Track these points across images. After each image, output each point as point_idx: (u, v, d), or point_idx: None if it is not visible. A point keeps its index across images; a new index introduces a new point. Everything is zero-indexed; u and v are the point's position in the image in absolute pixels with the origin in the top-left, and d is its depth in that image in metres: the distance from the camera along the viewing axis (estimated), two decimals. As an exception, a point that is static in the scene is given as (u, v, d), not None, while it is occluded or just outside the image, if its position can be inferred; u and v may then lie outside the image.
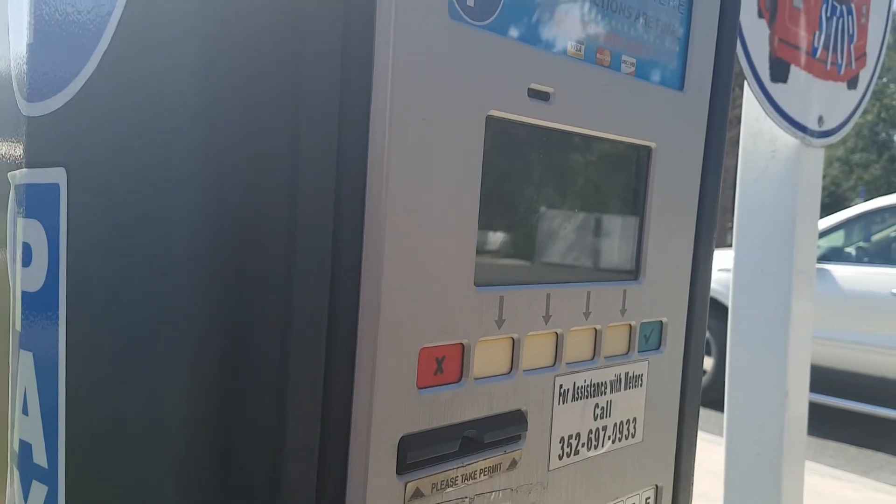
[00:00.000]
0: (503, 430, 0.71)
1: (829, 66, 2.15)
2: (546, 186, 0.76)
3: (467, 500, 0.68)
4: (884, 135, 25.06)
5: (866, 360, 6.15)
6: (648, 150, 0.85)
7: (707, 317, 1.00)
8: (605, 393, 0.84)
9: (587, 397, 0.81)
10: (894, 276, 6.16)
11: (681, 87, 0.88)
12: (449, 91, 0.62)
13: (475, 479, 0.69)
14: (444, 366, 0.65)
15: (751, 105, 2.02)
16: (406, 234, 0.60)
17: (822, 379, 6.38)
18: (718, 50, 0.93)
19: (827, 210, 7.06)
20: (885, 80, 25.01)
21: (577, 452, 0.81)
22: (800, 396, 1.95)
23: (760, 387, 1.95)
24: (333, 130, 0.56)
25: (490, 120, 0.66)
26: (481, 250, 0.68)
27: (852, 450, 6.07)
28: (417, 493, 0.63)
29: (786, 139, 2.02)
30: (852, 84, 2.24)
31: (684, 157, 0.90)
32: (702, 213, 0.94)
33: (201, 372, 0.56)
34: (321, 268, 0.56)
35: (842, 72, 2.22)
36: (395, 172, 0.59)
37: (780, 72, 1.98)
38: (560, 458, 0.79)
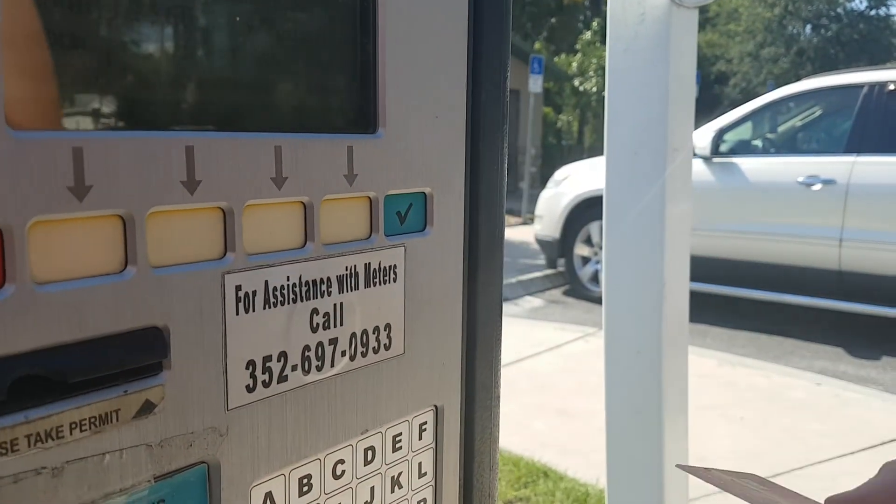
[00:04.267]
0: (112, 360, 0.45)
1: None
2: (173, -19, 0.49)
3: (47, 471, 0.43)
4: (791, 28, 25.24)
5: (775, 250, 6.19)
6: (369, -60, 0.58)
7: (504, 184, 0.76)
8: (328, 294, 0.59)
9: (295, 301, 0.57)
10: (800, 165, 6.16)
11: None
12: None
13: (62, 437, 0.44)
14: (-45, 263, 0.39)
15: (617, -36, 1.77)
16: None
17: (732, 271, 6.42)
18: None
19: (739, 106, 6.97)
20: (789, -28, 25.05)
21: (283, 379, 0.56)
22: (679, 286, 1.77)
23: (637, 277, 1.76)
24: None
25: None
26: (20, 68, 0.41)
27: (763, 338, 6.16)
28: None
29: (655, 0, 1.78)
30: (729, -62, 2.01)
31: (436, -41, 0.64)
32: (478, 39, 0.69)
33: None
34: None
35: (717, -76, 1.98)
36: None
37: (644, -78, 1.72)
38: (250, 389, 0.54)
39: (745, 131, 6.93)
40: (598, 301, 6.87)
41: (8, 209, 0.40)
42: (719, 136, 6.56)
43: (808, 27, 25.29)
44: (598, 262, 7.17)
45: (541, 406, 4.36)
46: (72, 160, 0.43)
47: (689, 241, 1.79)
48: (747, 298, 6.53)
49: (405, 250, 0.66)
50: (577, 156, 18.66)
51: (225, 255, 0.52)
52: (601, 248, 6.71)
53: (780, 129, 7.02)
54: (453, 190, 0.70)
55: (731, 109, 7.11)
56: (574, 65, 20.10)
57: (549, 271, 8.21)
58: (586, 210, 7.23)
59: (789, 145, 6.79)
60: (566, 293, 7.79)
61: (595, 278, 7.31)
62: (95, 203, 0.44)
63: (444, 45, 0.66)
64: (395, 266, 0.64)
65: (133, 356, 0.46)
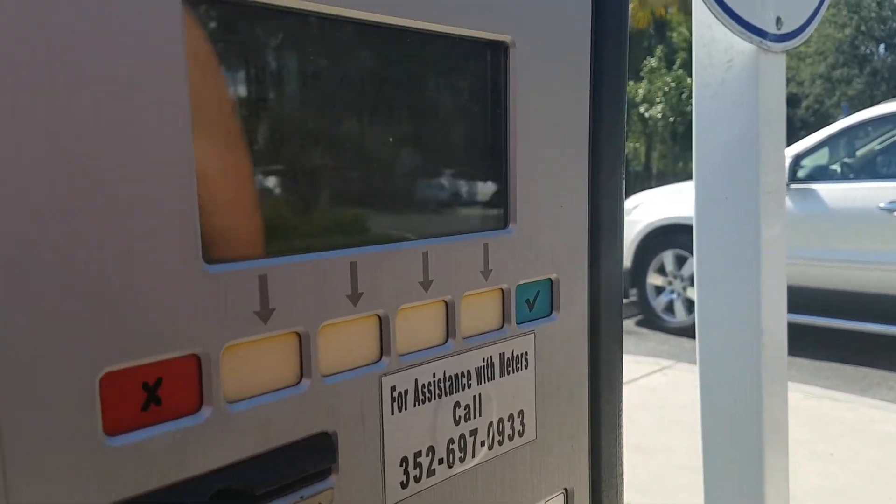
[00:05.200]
0: (292, 468, 0.49)
1: (784, -40, 1.90)
2: (334, 102, 0.52)
3: (235, 579, 0.46)
4: (863, 48, 24.61)
5: (858, 277, 6.01)
6: (502, 47, 0.62)
7: (622, 264, 0.78)
8: (468, 386, 0.62)
9: (440, 396, 0.59)
10: (881, 190, 6.00)
11: (547, -40, 0.64)
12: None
13: (248, 546, 0.47)
14: (163, 392, 0.43)
15: (700, 10, 1.77)
16: (35, 191, 0.37)
17: (814, 299, 6.24)
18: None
19: (812, 129, 6.85)
20: (860, -10, 24.45)
21: (432, 472, 0.59)
22: (777, 335, 1.74)
23: (733, 329, 1.74)
24: None
25: (192, 3, 0.43)
26: (213, 207, 0.45)
27: (848, 369, 5.96)
28: None
29: (742, 46, 1.78)
30: (813, -21, 1.99)
31: (561, 57, 0.67)
32: (598, 128, 0.72)
33: None
34: None
35: (800, -35, 1.97)
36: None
37: (728, -31, 1.72)
38: (404, 485, 0.57)
39: (822, 156, 6.78)
40: (674, 332, 6.75)
41: (204, 338, 0.44)
42: (796, 161, 6.43)
43: (882, 47, 24.60)
44: (672, 291, 7.07)
45: (620, 443, 4.29)
46: (258, 287, 0.46)
47: (784, 292, 1.76)
48: (830, 328, 6.33)
49: (535, 337, 0.68)
50: (646, 182, 18.48)
51: (381, 358, 0.55)
52: (675, 277, 6.61)
53: (859, 153, 6.84)
54: (577, 273, 0.72)
55: (804, 132, 6.97)
56: (640, 92, 20.00)
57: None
58: (659, 238, 7.14)
59: (869, 170, 6.62)
60: (639, 324, 7.68)
61: (670, 308, 7.20)
62: (278, 324, 0.47)
63: (567, 141, 0.68)
64: (526, 353, 0.67)
65: (310, 463, 0.49)
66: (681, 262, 6.51)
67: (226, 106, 0.45)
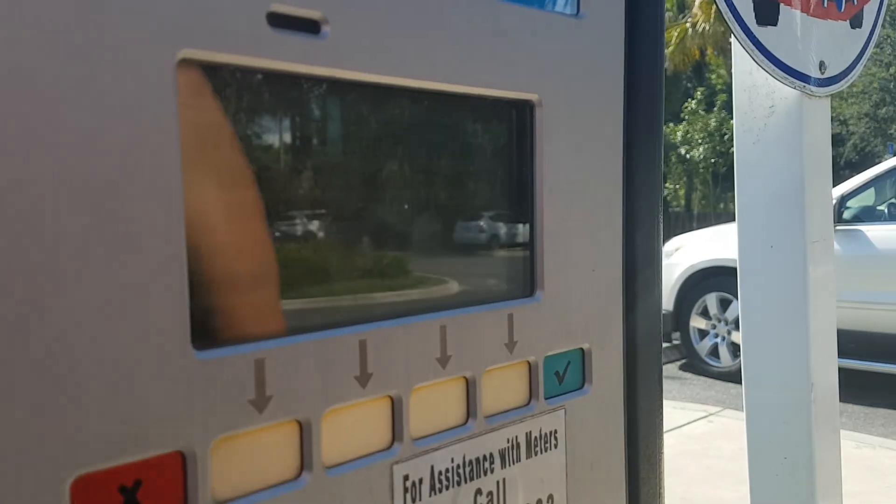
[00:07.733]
0: (290, 572, 0.44)
1: (826, 3, 1.85)
2: (343, 170, 0.48)
3: None
4: (909, 86, 24.19)
5: (910, 321, 5.79)
6: (528, 105, 0.57)
7: (660, 328, 0.73)
8: (491, 471, 0.56)
9: (460, 483, 0.54)
10: (931, 232, 5.81)
11: (575, 10, 0.60)
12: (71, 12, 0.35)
13: None
14: (143, 495, 0.38)
15: (740, 56, 1.72)
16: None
17: (865, 344, 6.03)
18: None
19: (857, 168, 6.71)
20: (905, 28, 24.12)
21: (450, 568, 0.54)
22: (828, 388, 1.65)
23: (781, 385, 1.66)
24: None
25: (187, 68, 0.39)
26: (206, 286, 0.41)
27: (904, 415, 5.72)
28: None
29: (784, 92, 1.72)
30: (856, 21, 1.93)
31: (592, 113, 0.62)
32: (632, 186, 0.67)
33: None
34: None
35: (842, 8, 1.91)
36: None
37: (768, 13, 1.68)
38: (419, 583, 0.51)
39: (868, 197, 6.62)
40: (719, 377, 6.57)
41: (193, 433, 0.40)
42: (841, 203, 6.28)
43: (928, 85, 24.17)
44: (716, 335, 6.89)
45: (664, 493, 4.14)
46: (252, 372, 0.42)
47: (835, 343, 1.68)
48: (882, 373, 6.11)
49: (565, 412, 0.62)
50: (686, 223, 18.23)
51: (392, 444, 0.50)
52: (719, 320, 6.46)
53: (906, 193, 6.66)
54: (611, 340, 0.66)
55: (848, 171, 6.82)
56: (679, 134, 19.87)
57: (663, 345, 7.93)
58: (701, 281, 6.98)
59: (917, 211, 6.43)
60: (683, 368, 7.49)
61: (714, 352, 7.00)
62: (275, 413, 0.43)
63: (600, 200, 0.64)
64: (555, 431, 0.61)
65: (308, 567, 0.44)
66: (724, 304, 6.35)
67: (229, 182, 0.42)
